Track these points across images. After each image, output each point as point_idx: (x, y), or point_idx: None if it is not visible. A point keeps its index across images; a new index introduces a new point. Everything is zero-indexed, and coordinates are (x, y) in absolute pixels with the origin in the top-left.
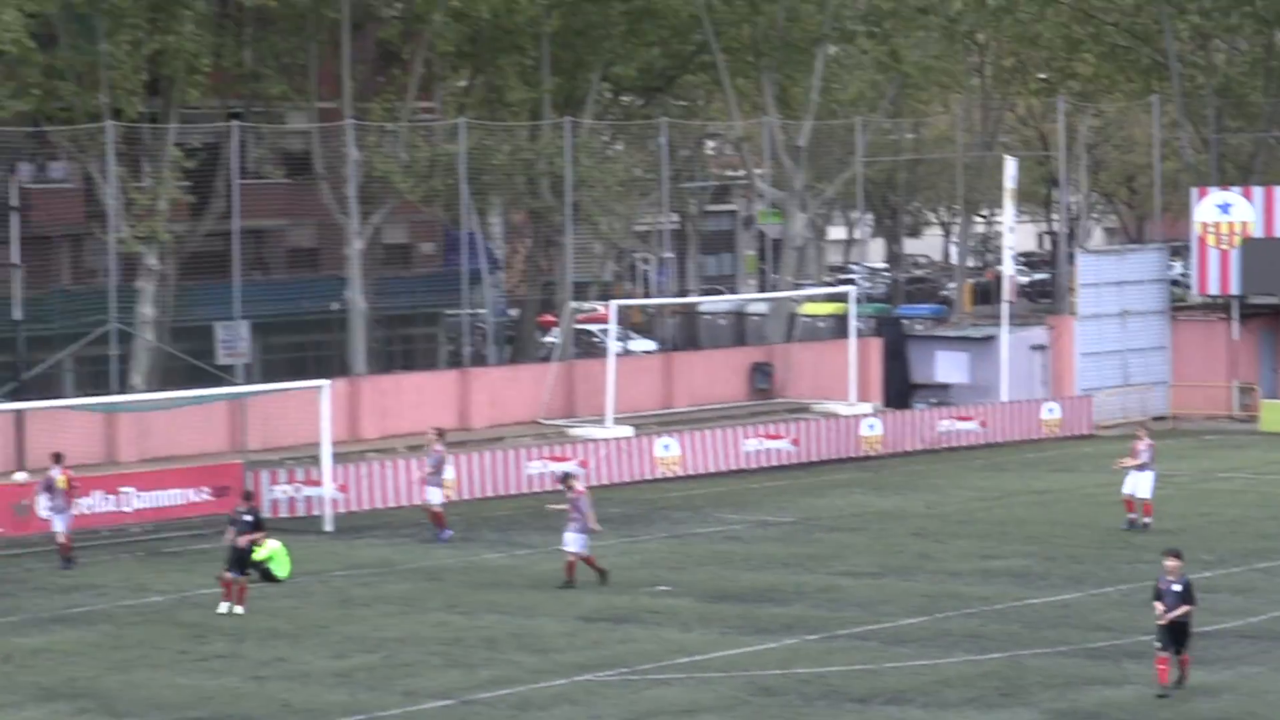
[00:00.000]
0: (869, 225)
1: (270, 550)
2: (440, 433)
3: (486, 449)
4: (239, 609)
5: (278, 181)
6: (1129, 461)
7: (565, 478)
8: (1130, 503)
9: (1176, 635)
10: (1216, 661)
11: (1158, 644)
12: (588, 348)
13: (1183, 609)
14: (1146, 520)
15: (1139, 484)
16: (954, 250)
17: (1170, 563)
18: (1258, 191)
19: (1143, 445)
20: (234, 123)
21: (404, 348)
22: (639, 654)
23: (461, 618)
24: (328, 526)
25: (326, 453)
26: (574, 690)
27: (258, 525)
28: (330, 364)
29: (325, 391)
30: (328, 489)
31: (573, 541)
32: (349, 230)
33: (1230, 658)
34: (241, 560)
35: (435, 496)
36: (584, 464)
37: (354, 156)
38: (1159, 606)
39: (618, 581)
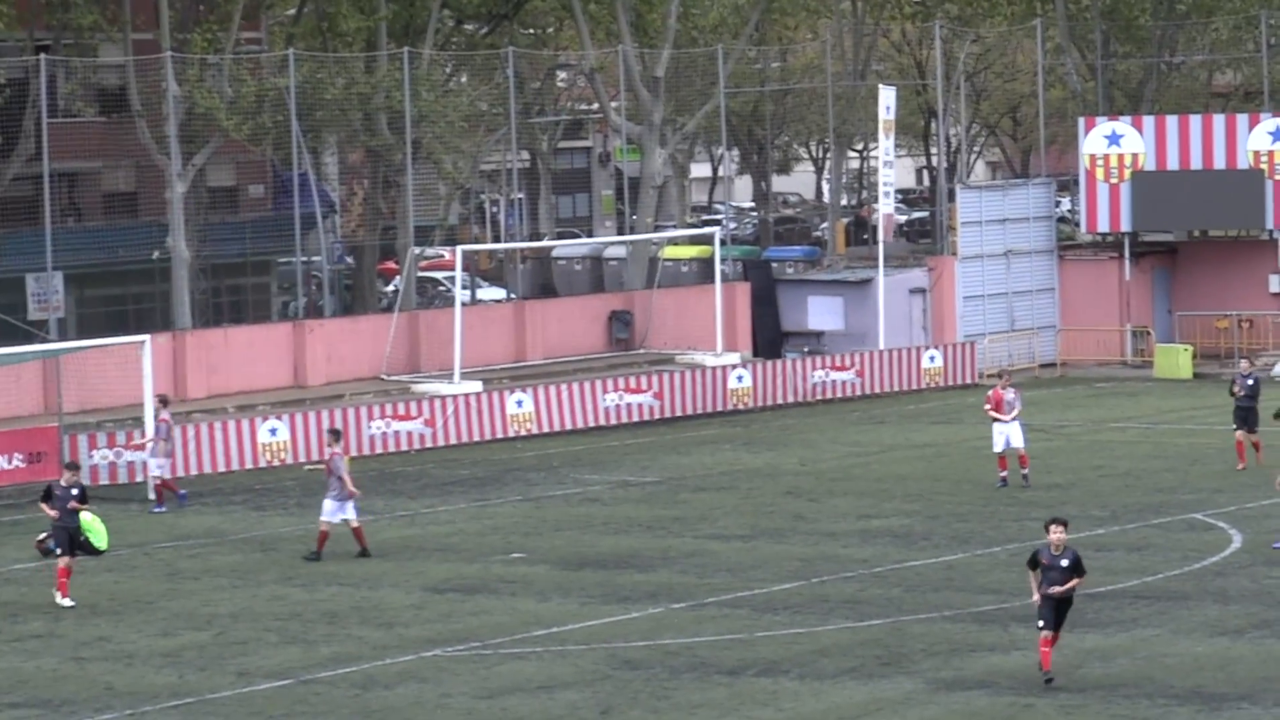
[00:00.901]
0: (734, 161)
1: (83, 521)
2: (164, 400)
3: (323, 407)
4: (66, 601)
5: (91, 120)
6: (997, 412)
7: (331, 434)
8: (1004, 460)
9: (1061, 610)
10: (1111, 624)
11: (1040, 623)
12: (432, 297)
13: (1073, 582)
14: (1025, 471)
15: (1012, 435)
16: (826, 187)
17: (1056, 535)
18: (1148, 121)
19: (1013, 394)
20: (42, 56)
21: (232, 299)
22: (492, 626)
23: (299, 590)
24: (152, 494)
25: (149, 414)
26: (422, 666)
27: (82, 499)
28: (152, 318)
29: (147, 347)
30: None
31: (330, 510)
32: (170, 172)
33: (1125, 620)
34: (74, 539)
35: (156, 468)
36: (430, 423)
37: (174, 92)
38: (1038, 582)
39: (468, 549)
